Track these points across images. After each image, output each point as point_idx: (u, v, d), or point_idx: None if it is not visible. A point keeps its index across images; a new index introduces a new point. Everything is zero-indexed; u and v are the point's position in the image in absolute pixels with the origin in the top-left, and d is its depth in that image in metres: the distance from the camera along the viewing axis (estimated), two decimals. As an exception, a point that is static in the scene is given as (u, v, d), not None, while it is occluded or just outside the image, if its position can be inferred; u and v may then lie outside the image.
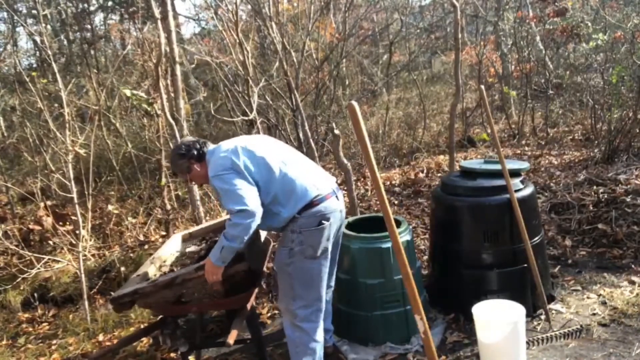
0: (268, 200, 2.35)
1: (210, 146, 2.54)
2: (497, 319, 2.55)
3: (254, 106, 4.83)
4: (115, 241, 5.01)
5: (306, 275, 2.41)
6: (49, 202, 5.34)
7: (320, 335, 2.50)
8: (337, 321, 3.00)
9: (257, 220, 2.24)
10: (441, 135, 8.33)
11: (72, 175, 3.88)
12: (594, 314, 3.05)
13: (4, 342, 3.68)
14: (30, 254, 4.23)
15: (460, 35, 5.08)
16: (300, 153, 2.67)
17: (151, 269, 2.78)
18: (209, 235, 3.16)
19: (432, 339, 1.96)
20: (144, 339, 3.29)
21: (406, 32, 11.17)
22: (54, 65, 4.05)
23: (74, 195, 3.84)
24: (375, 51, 11.88)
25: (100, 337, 3.55)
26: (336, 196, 2.48)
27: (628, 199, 4.23)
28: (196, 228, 3.41)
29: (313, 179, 2.44)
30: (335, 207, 2.45)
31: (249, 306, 2.57)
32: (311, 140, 5.45)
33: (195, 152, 2.48)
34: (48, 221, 4.86)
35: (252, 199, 2.24)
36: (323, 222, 2.38)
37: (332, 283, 2.77)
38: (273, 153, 2.44)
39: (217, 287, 2.43)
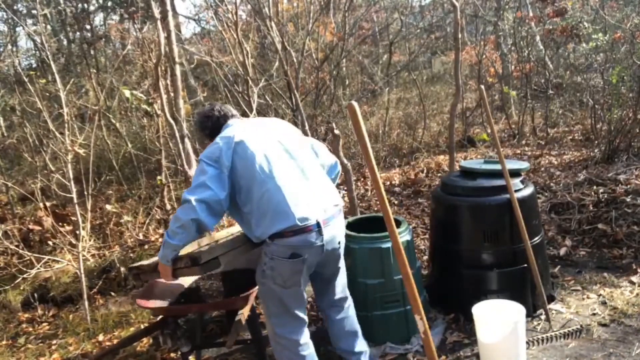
0: (246, 209, 2.19)
1: (229, 122, 2.40)
2: (497, 319, 2.55)
3: (254, 106, 4.83)
4: (115, 241, 5.01)
5: (276, 299, 2.27)
6: (48, 202, 5.34)
7: (304, 350, 2.33)
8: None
9: (195, 226, 2.10)
10: (441, 135, 8.33)
11: (71, 175, 3.88)
12: (594, 314, 3.05)
13: (4, 342, 3.68)
14: (30, 254, 4.24)
15: (460, 35, 5.07)
16: (308, 159, 2.33)
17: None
18: None
19: (432, 339, 1.96)
20: (144, 339, 3.29)
21: (406, 32, 11.17)
22: (52, 65, 4.05)
23: (74, 195, 3.84)
24: (375, 51, 11.87)
25: (100, 337, 3.55)
26: (318, 230, 2.16)
27: (628, 199, 4.23)
28: None
29: (296, 204, 2.14)
30: (313, 242, 2.16)
31: (249, 306, 2.57)
32: (311, 140, 5.43)
33: (208, 131, 2.42)
34: (48, 221, 4.86)
35: (208, 198, 2.08)
36: (295, 256, 2.15)
37: (337, 298, 2.51)
38: (268, 157, 2.20)
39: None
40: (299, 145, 2.36)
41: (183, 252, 2.27)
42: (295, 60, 5.97)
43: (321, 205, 2.23)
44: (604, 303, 3.16)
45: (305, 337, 2.35)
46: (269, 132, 2.34)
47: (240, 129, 2.29)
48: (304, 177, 2.26)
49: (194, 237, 2.19)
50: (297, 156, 2.30)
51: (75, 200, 3.87)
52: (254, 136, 2.26)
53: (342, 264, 2.48)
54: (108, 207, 5.44)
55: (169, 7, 3.96)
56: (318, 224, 2.17)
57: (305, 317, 2.36)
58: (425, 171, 6.52)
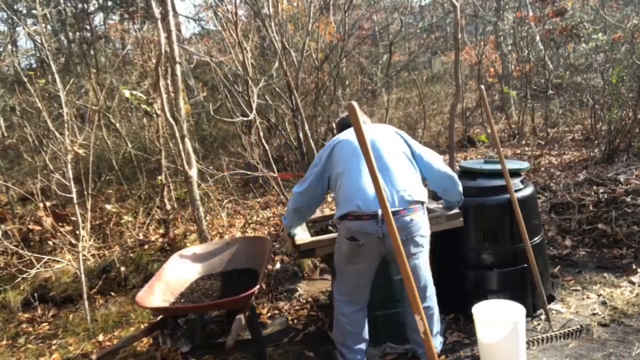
0: (334, 195, 2.58)
1: (349, 128, 2.67)
2: (497, 319, 2.55)
3: (254, 106, 4.84)
4: (115, 241, 5.00)
5: (338, 270, 2.59)
6: (48, 202, 5.34)
7: (349, 325, 2.59)
8: (337, 321, 2.99)
9: (293, 213, 2.70)
10: (441, 135, 8.34)
11: (71, 175, 3.88)
12: (594, 314, 3.05)
13: (4, 342, 3.67)
14: (30, 254, 4.23)
15: (460, 35, 5.07)
16: (393, 158, 2.49)
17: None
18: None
19: (432, 339, 1.96)
20: (144, 339, 3.29)
21: (406, 32, 11.17)
22: (52, 65, 4.05)
23: (74, 195, 3.84)
24: (375, 51, 11.87)
25: (100, 337, 3.55)
26: (376, 221, 2.31)
27: (628, 199, 4.22)
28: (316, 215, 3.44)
29: (360, 192, 2.37)
30: (369, 230, 2.33)
31: (249, 306, 2.57)
32: (311, 140, 5.45)
33: (336, 131, 2.85)
34: (48, 221, 4.86)
35: (304, 194, 2.62)
36: (353, 239, 2.39)
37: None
38: (351, 154, 2.50)
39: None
40: (389, 146, 2.56)
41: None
42: (295, 60, 5.97)
43: (389, 199, 2.33)
44: (604, 303, 3.16)
45: (353, 314, 2.58)
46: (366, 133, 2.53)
47: (348, 132, 2.65)
48: (379, 171, 2.35)
49: (298, 220, 2.79)
50: (382, 154, 2.49)
51: (75, 200, 3.87)
52: (350, 137, 2.58)
53: (418, 261, 2.53)
54: (108, 207, 5.44)
55: (169, 7, 3.96)
56: (376, 215, 2.31)
57: (356, 301, 2.58)
58: (425, 171, 6.51)
